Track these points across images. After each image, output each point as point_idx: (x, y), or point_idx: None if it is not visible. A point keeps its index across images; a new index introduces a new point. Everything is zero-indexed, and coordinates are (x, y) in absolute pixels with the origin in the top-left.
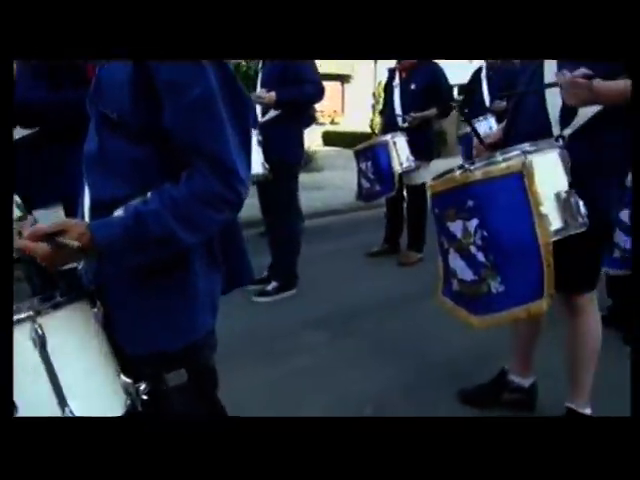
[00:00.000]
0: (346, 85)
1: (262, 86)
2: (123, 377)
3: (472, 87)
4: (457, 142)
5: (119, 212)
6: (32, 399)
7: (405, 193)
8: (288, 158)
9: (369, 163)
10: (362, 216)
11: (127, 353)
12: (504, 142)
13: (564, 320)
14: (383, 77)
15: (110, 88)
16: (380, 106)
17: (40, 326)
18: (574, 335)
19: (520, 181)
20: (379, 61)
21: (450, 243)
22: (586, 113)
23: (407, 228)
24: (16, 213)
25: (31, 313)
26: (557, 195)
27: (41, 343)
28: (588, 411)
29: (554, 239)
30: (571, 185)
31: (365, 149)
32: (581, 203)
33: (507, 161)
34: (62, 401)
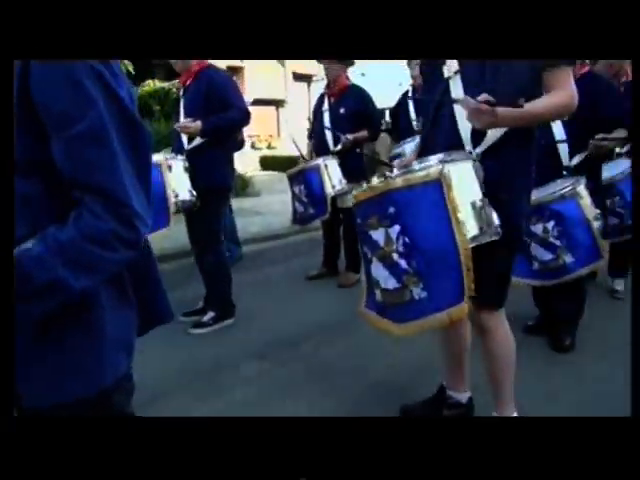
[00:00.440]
0: (280, 109)
1: (186, 114)
2: None
3: (397, 110)
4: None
5: None
6: None
7: (341, 215)
8: (216, 183)
9: (302, 187)
10: (300, 240)
11: (24, 407)
12: (421, 152)
13: None
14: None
15: None
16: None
17: None
18: (486, 351)
19: (439, 188)
20: (312, 85)
21: (373, 252)
22: (494, 134)
23: (344, 250)
24: None
25: None
26: (473, 204)
27: None
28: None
29: (471, 245)
30: (485, 195)
31: (297, 173)
32: (494, 214)
33: (425, 169)
34: None
